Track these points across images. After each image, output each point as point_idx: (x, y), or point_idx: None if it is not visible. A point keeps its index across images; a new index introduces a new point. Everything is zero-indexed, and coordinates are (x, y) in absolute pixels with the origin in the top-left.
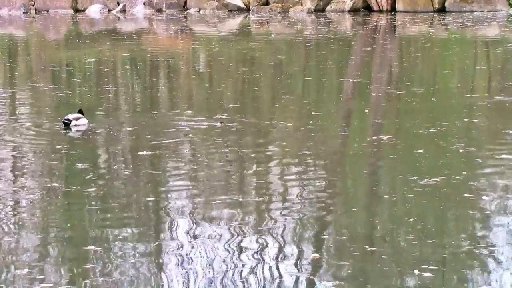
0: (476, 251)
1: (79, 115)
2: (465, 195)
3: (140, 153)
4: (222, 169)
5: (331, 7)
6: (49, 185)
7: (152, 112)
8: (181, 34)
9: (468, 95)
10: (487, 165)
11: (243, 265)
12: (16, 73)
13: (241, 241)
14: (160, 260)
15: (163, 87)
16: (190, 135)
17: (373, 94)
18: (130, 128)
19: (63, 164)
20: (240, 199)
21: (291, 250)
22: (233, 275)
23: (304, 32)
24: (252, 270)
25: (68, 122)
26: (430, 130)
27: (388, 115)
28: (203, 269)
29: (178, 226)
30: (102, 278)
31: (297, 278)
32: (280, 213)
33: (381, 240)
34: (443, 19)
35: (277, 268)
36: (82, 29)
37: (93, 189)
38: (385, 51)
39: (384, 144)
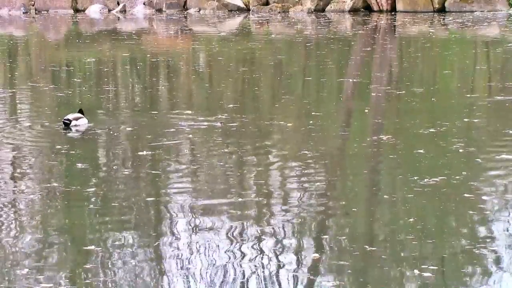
0: (476, 251)
1: (79, 115)
2: (465, 195)
3: (140, 153)
4: (222, 169)
5: (331, 7)
6: (49, 185)
7: (152, 112)
8: (181, 34)
9: (468, 95)
10: (487, 165)
11: (243, 265)
12: (16, 73)
13: (241, 241)
14: (160, 260)
15: (163, 87)
16: (190, 135)
17: (373, 94)
18: (130, 128)
19: (63, 164)
20: (240, 199)
21: (291, 250)
22: (233, 275)
23: (304, 32)
24: (252, 270)
25: (68, 122)
26: (430, 130)
27: (388, 115)
28: (203, 269)
29: (178, 226)
30: (102, 278)
31: (297, 278)
32: (280, 213)
33: (381, 240)
34: (443, 19)
35: (277, 268)
36: (82, 29)
37: (93, 189)
38: (385, 51)
39: (384, 144)
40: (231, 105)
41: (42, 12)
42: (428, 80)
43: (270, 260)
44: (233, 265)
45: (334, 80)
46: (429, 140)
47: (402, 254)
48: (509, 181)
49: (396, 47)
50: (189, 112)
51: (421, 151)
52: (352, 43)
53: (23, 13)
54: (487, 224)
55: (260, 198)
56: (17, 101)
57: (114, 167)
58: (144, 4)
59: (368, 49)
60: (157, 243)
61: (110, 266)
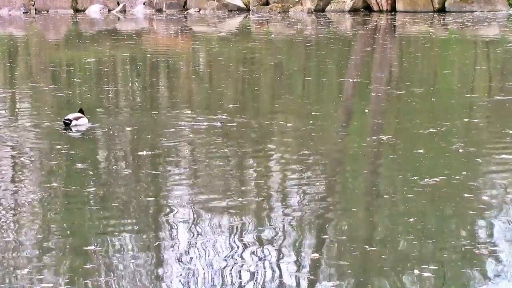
0: (476, 251)
1: (79, 114)
2: (465, 195)
3: (140, 153)
4: (222, 169)
5: (331, 7)
6: (49, 185)
7: (152, 112)
8: (181, 34)
9: (468, 95)
10: (487, 165)
11: (243, 265)
12: (16, 73)
13: (241, 241)
14: (160, 260)
15: (163, 87)
16: (190, 135)
17: (373, 94)
18: (130, 128)
19: (63, 164)
20: (240, 199)
21: (291, 250)
22: (233, 274)
23: (304, 32)
24: (252, 270)
25: (69, 122)
26: (430, 130)
27: (388, 115)
28: (203, 269)
29: (178, 226)
30: (102, 278)
31: (297, 278)
32: (280, 213)
33: (381, 240)
34: (443, 19)
35: (277, 268)
36: (82, 29)
37: (93, 189)
38: (385, 51)
39: (384, 144)
40: (231, 105)
41: (42, 12)
42: (428, 80)
43: (270, 260)
44: (233, 265)
45: (334, 80)
46: (429, 140)
47: (402, 254)
48: (509, 181)
49: (396, 47)
50: (189, 112)
51: (421, 151)
52: (352, 43)
53: (23, 13)
54: (487, 224)
55: (260, 198)
56: (17, 101)
57: (114, 167)
58: (144, 4)
59: (368, 49)
60: (157, 243)
61: (110, 266)
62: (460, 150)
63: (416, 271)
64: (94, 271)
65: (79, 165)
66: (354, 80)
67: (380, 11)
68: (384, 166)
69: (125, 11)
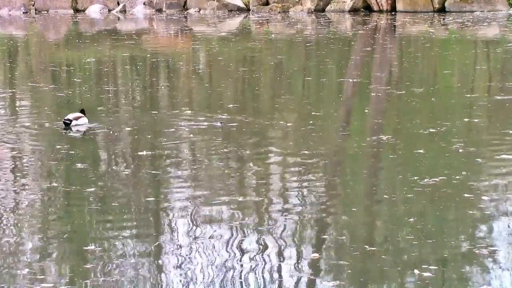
0: (476, 251)
1: (79, 114)
2: (465, 195)
3: (140, 153)
4: (222, 169)
5: (331, 7)
6: (49, 185)
7: (152, 112)
8: (181, 34)
9: (468, 95)
10: (487, 165)
11: (243, 265)
12: (16, 73)
13: (241, 241)
14: (160, 260)
15: (163, 87)
16: (190, 135)
17: (373, 94)
18: (130, 128)
19: (63, 164)
20: (240, 199)
21: (291, 250)
22: (233, 275)
23: (304, 32)
24: (252, 270)
25: (69, 122)
26: (430, 130)
27: (388, 115)
28: (203, 269)
29: (178, 226)
30: (102, 278)
31: (297, 278)
32: (280, 213)
33: (381, 240)
34: (443, 19)
35: (277, 268)
36: (82, 29)
37: (93, 189)
38: (385, 51)
39: (384, 144)
40: (231, 105)
41: (42, 12)
42: (428, 80)
43: (270, 260)
44: (233, 265)
45: (334, 80)
46: (429, 140)
47: (402, 254)
48: (509, 181)
49: (396, 47)
50: (189, 112)
51: (421, 151)
52: (352, 43)
53: (23, 13)
54: (487, 224)
55: (260, 198)
56: (17, 101)
57: (114, 167)
58: (144, 4)
59: (368, 49)
60: (157, 243)
61: (110, 266)
62: (460, 150)
63: (416, 271)
64: (94, 271)
65: (79, 165)
66: (354, 80)
67: (380, 11)
68: (384, 166)
69: (125, 11)
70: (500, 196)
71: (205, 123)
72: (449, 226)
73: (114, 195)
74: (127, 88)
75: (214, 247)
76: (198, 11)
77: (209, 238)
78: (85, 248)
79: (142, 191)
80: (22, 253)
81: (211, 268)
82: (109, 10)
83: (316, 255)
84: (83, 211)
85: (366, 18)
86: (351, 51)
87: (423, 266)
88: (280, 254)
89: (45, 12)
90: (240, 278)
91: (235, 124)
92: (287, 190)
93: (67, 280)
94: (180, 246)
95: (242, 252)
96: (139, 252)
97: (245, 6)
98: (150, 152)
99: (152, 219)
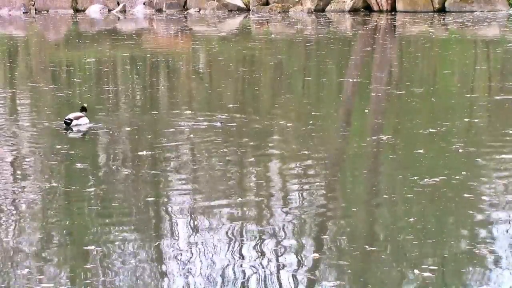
0: (476, 251)
1: (80, 114)
2: (465, 195)
3: (140, 153)
4: (222, 169)
5: (331, 7)
6: (49, 185)
7: (152, 112)
8: (181, 34)
9: (468, 95)
10: (487, 165)
11: (243, 265)
12: (16, 73)
13: (241, 241)
14: (160, 260)
15: (163, 87)
16: (190, 135)
17: (373, 94)
18: (130, 128)
19: (63, 164)
20: (240, 199)
21: (291, 250)
22: (233, 275)
23: (304, 32)
24: (252, 270)
25: (69, 121)
26: (430, 130)
27: (388, 115)
28: (203, 269)
29: (178, 226)
30: (102, 278)
31: (297, 278)
32: (280, 213)
33: (381, 240)
34: (443, 19)
35: (277, 268)
36: (82, 29)
37: (93, 189)
38: (385, 51)
39: (384, 144)
40: (231, 105)
41: (42, 12)
42: (428, 80)
43: (270, 260)
44: (233, 265)
45: (334, 80)
46: (429, 140)
47: (402, 254)
48: (509, 181)
49: (396, 47)
50: (189, 112)
51: (421, 151)
52: (352, 43)
53: (23, 13)
54: (487, 224)
55: (260, 198)
56: (17, 101)
57: (114, 167)
58: (144, 4)
59: (368, 49)
60: (157, 243)
61: (110, 266)
62: (460, 150)
63: (416, 271)
64: (94, 270)
65: (79, 165)
66: (354, 80)
67: (380, 11)
68: (384, 166)
69: (125, 11)
70: (500, 196)
71: (205, 123)
72: (449, 226)
73: (114, 195)
74: (127, 88)
75: (214, 247)
76: (198, 11)
77: (209, 237)
78: (85, 248)
79: (142, 191)
80: (22, 253)
81: (211, 268)
82: (109, 10)
83: (316, 255)
84: (83, 211)
85: (366, 18)
86: (351, 51)
87: (423, 266)
88: (280, 254)
89: (45, 12)
90: (241, 278)
91: (235, 124)
92: (287, 190)
93: (67, 280)
94: (180, 246)
95: (242, 252)
96: (139, 252)
97: (245, 6)
98: (150, 152)
99: (152, 219)
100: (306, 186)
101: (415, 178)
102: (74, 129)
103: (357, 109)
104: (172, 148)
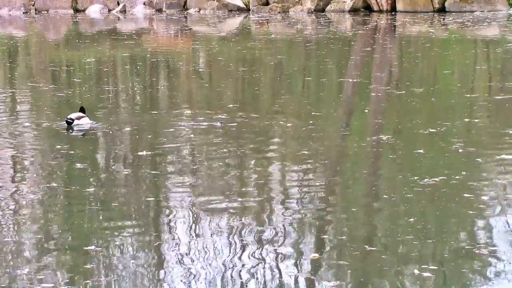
0: (476, 251)
1: (81, 114)
2: (465, 195)
3: (140, 153)
4: (222, 169)
5: (331, 7)
6: (49, 185)
7: (152, 112)
8: (181, 34)
9: (468, 95)
10: (487, 165)
11: (243, 265)
12: (16, 73)
13: (241, 241)
14: (160, 260)
15: (163, 87)
16: (190, 135)
17: (373, 94)
18: (130, 128)
19: (63, 164)
20: (240, 199)
21: (291, 250)
22: (233, 275)
23: (304, 32)
24: (252, 270)
25: (71, 121)
26: (430, 130)
27: (388, 115)
28: (203, 269)
29: (178, 226)
30: (102, 279)
31: (297, 278)
32: (280, 213)
33: (381, 240)
34: (443, 19)
35: (277, 268)
36: (82, 29)
37: (93, 189)
38: (385, 51)
39: (384, 144)
40: (231, 105)
41: (42, 12)
42: (428, 80)
43: (270, 260)
44: (233, 265)
45: (334, 80)
46: (429, 140)
47: (402, 254)
48: (509, 181)
49: (396, 47)
50: (189, 112)
51: (421, 151)
52: (352, 43)
53: (23, 13)
54: (487, 224)
55: (260, 198)
56: (17, 101)
57: (114, 167)
58: (144, 4)
59: (368, 49)
60: (157, 243)
61: (110, 266)
62: (460, 150)
63: (416, 271)
64: (94, 271)
65: (79, 165)
66: (354, 80)
67: (380, 11)
68: (384, 166)
69: (125, 11)
70: (500, 196)
71: (205, 123)
72: (449, 226)
73: (114, 195)
74: (127, 88)
75: (214, 247)
76: (198, 11)
77: (209, 238)
78: (85, 248)
79: (142, 191)
80: (22, 253)
81: (211, 268)
82: (109, 10)
83: (316, 255)
84: (83, 211)
85: (366, 18)
86: (351, 51)
87: (423, 266)
88: (280, 254)
89: (45, 12)
90: (240, 278)
91: (235, 124)
92: (287, 190)
93: (67, 280)
94: (180, 246)
95: (242, 251)
96: (139, 252)
97: (245, 6)
98: (150, 152)
99: (152, 219)
100: (306, 186)
101: (415, 178)
102: (75, 128)
103: (357, 109)
104: (172, 148)
